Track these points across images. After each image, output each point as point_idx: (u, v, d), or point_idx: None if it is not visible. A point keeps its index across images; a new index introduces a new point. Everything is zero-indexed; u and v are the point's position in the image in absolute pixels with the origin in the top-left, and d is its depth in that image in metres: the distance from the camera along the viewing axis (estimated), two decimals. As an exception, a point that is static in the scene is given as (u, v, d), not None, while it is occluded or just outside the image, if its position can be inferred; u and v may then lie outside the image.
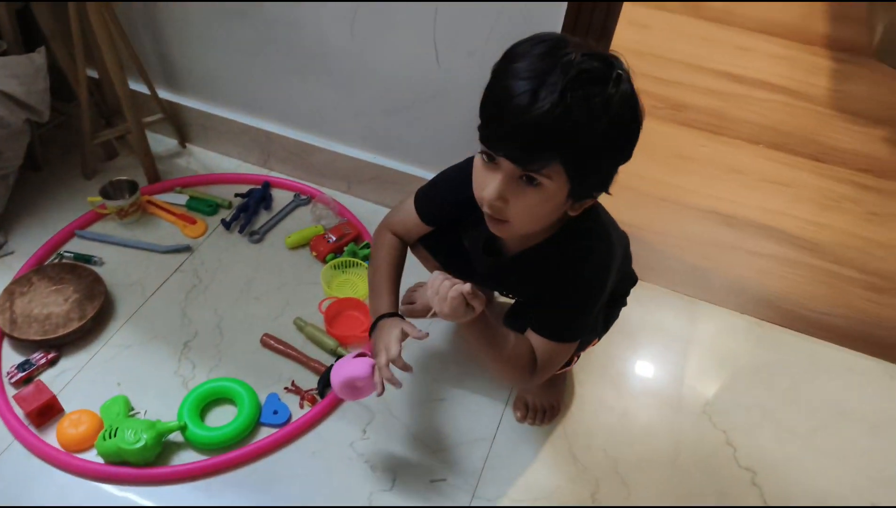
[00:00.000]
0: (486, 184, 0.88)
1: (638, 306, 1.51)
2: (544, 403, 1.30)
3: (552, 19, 1.22)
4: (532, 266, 1.03)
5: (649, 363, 1.43)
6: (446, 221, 1.14)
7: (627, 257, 1.21)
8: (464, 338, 1.10)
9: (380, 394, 1.04)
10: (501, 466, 1.23)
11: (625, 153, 0.87)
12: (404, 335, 1.04)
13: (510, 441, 1.26)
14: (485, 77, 1.31)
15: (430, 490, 1.19)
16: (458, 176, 1.03)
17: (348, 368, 1.06)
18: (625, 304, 1.27)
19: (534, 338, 1.02)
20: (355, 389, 1.07)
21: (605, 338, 1.28)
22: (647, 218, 1.73)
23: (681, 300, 1.55)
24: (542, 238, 1.00)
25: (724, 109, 2.14)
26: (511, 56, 0.85)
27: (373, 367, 1.04)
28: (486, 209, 0.91)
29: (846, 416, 1.36)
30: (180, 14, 1.57)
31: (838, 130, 2.10)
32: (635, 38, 2.41)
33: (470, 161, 0.95)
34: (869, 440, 1.32)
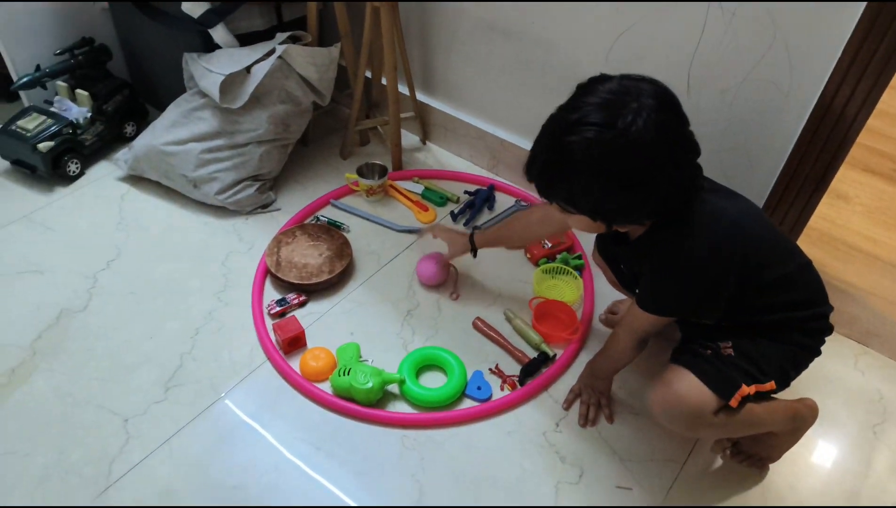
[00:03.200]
0: None
1: (856, 371, 1.47)
2: (760, 454, 1.27)
3: (821, 63, 1.24)
4: (640, 251, 1.13)
5: (863, 431, 1.36)
6: None
7: (811, 284, 1.14)
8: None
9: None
10: (689, 491, 1.24)
11: (624, 193, 0.95)
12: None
13: (703, 470, 1.27)
14: (733, 116, 1.35)
15: (615, 494, 1.23)
16: None
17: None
18: (817, 353, 1.16)
19: (632, 309, 1.17)
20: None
21: (819, 398, 1.25)
22: (876, 283, 1.64)
23: (903, 371, 1.46)
24: (642, 230, 1.09)
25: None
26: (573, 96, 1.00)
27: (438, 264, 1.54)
28: None
29: None
30: (450, 26, 1.77)
31: None
32: (883, 99, 2.28)
33: None
34: None
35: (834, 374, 1.44)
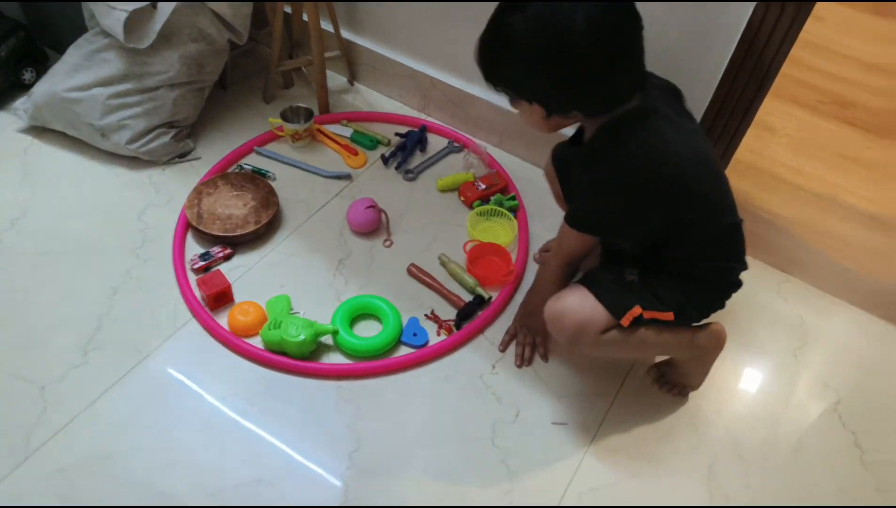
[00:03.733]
0: None
1: (779, 298, 1.51)
2: (680, 381, 1.31)
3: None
4: (582, 157, 1.10)
5: (784, 355, 1.42)
6: None
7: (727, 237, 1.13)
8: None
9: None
10: (621, 422, 1.27)
11: (564, 76, 0.94)
12: None
13: (633, 401, 1.30)
14: (661, 47, 1.32)
15: (551, 431, 1.25)
16: None
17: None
18: (720, 303, 1.18)
19: (562, 225, 1.17)
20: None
21: (744, 324, 1.29)
22: (800, 213, 1.69)
23: (823, 299, 1.52)
24: (590, 133, 1.08)
25: (894, 111, 2.02)
26: None
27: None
28: None
29: None
30: (372, -43, 1.67)
31: None
32: (807, 29, 2.29)
33: None
34: None
35: (757, 301, 1.49)
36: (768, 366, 1.40)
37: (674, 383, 1.31)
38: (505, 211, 1.59)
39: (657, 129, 1.01)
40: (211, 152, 1.69)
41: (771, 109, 1.97)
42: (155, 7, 1.51)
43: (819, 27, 2.35)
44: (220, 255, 1.45)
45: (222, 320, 1.35)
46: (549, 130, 1.09)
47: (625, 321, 1.09)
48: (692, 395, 1.32)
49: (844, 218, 1.70)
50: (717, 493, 1.19)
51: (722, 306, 1.19)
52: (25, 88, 1.76)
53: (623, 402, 1.30)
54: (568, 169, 1.30)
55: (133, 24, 1.49)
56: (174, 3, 1.48)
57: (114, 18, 1.48)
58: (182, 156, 1.67)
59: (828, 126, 1.96)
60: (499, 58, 0.98)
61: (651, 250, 1.13)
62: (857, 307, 1.51)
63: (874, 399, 1.35)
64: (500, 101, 1.70)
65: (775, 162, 1.82)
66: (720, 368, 1.32)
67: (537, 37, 0.91)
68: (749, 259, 1.17)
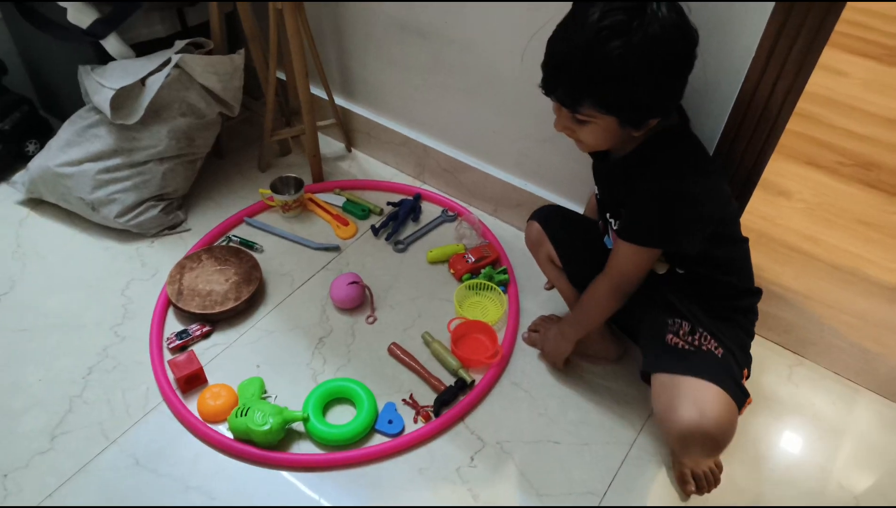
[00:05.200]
0: (556, 116, 1.09)
1: (790, 384, 1.39)
2: (707, 466, 1.21)
3: (739, 57, 1.15)
4: (628, 170, 1.11)
5: (796, 448, 1.30)
6: None
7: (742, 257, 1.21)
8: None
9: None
10: (608, 525, 1.17)
11: (663, 83, 0.97)
12: None
13: (622, 501, 1.20)
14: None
15: (530, 534, 1.16)
16: None
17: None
18: (751, 320, 1.22)
19: (615, 244, 1.13)
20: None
21: (750, 415, 1.19)
22: (815, 286, 1.57)
23: (841, 385, 1.39)
24: (631, 147, 1.09)
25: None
26: (575, 6, 1.00)
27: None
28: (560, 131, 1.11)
29: None
30: (363, 28, 1.66)
31: None
32: (829, 85, 2.20)
33: None
34: None
35: (766, 388, 1.37)
36: (780, 472, 1.27)
37: (703, 475, 1.20)
38: (494, 285, 1.52)
39: (696, 139, 1.10)
40: (202, 223, 1.68)
41: (785, 172, 1.88)
42: (143, 84, 1.52)
43: (842, 83, 2.25)
44: (198, 333, 1.42)
45: (193, 403, 1.31)
46: (608, 145, 1.10)
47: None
48: (695, 500, 1.21)
49: (866, 293, 1.58)
50: None
51: (752, 337, 1.22)
52: (29, 159, 1.79)
53: (613, 499, 1.20)
54: (608, 186, 1.23)
55: (121, 100, 1.51)
56: (162, 80, 1.49)
57: (102, 96, 1.49)
58: (172, 228, 1.66)
59: (848, 190, 1.84)
60: (599, 81, 0.97)
61: (692, 280, 1.15)
62: (880, 396, 1.38)
63: (896, 504, 1.21)
64: (496, 169, 1.68)
65: (789, 230, 1.71)
66: (722, 484, 1.21)
67: (644, 57, 0.93)
68: (758, 339, 1.10)
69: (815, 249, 1.66)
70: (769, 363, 1.42)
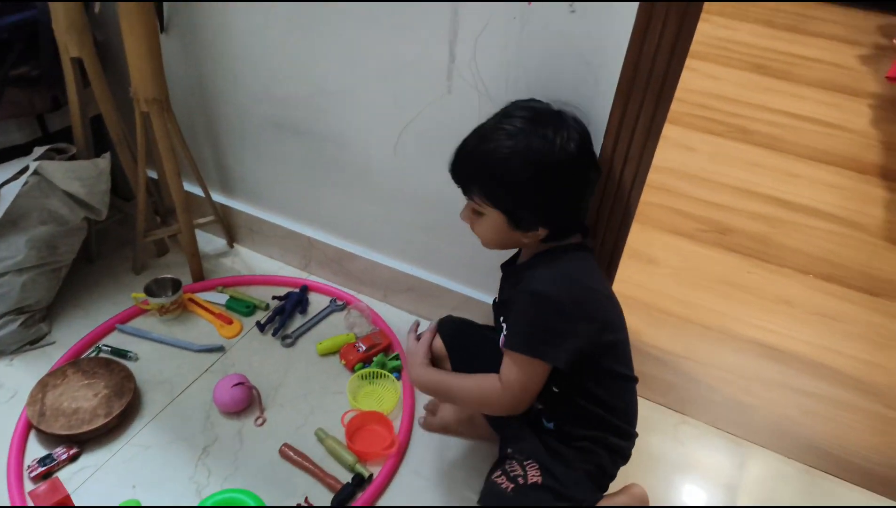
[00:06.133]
0: (463, 208, 1.15)
1: (676, 442, 1.44)
2: None
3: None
4: (518, 276, 1.16)
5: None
6: None
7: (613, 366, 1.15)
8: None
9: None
10: None
11: (549, 195, 1.04)
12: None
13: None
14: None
15: None
16: None
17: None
18: (615, 460, 1.16)
19: (504, 355, 1.09)
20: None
21: (641, 477, 1.21)
22: (689, 346, 1.67)
23: (724, 439, 1.46)
24: (528, 257, 1.17)
25: (772, 235, 2.10)
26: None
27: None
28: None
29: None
30: (238, 126, 1.67)
31: (893, 263, 2.02)
32: (681, 160, 2.43)
33: None
34: None
35: (653, 449, 1.41)
36: (672, 523, 1.30)
37: None
38: (387, 373, 1.50)
39: (592, 262, 1.15)
40: (69, 334, 1.56)
41: (652, 241, 2.02)
42: (-2, 192, 1.43)
43: (692, 157, 2.48)
44: (64, 457, 1.29)
45: (59, 537, 1.18)
46: (500, 245, 1.15)
47: None
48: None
49: (735, 349, 1.69)
50: None
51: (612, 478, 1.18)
52: None
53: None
54: (504, 291, 1.25)
55: (-27, 211, 1.41)
56: (17, 189, 1.41)
57: (-50, 206, 1.39)
58: (33, 342, 1.53)
59: (709, 254, 2.00)
60: (485, 171, 1.06)
61: (563, 401, 1.12)
62: (753, 444, 1.45)
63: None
64: (382, 256, 1.69)
65: (661, 295, 1.82)
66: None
67: (529, 163, 1.02)
68: (642, 401, 1.13)
69: (685, 311, 1.78)
70: (655, 423, 1.47)
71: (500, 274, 1.26)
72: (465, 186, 1.11)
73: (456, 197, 1.43)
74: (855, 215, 2.23)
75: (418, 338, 1.26)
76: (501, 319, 1.18)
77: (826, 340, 1.73)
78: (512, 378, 1.06)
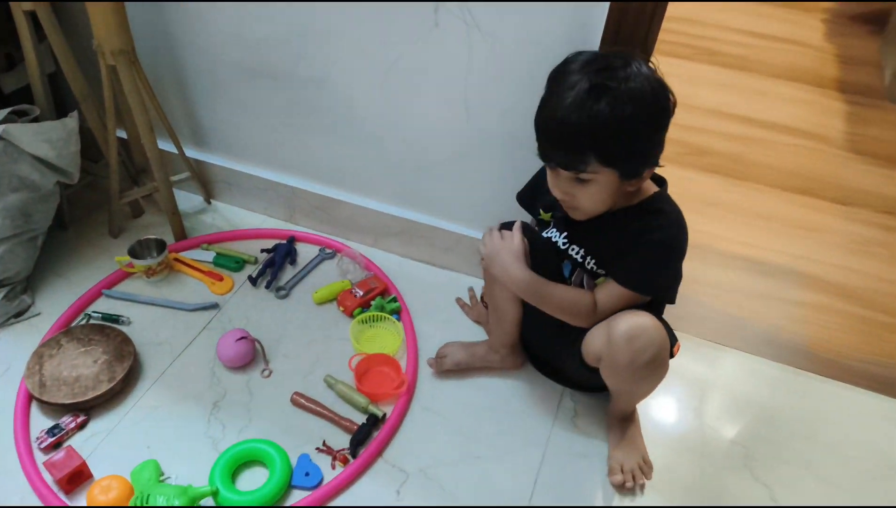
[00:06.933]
0: (554, 185, 1.12)
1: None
2: (637, 461, 1.26)
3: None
4: (608, 230, 1.15)
5: (686, 415, 1.40)
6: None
7: None
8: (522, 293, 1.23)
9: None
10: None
11: (654, 134, 1.04)
12: None
13: (548, 501, 1.22)
14: (519, 132, 1.33)
15: (470, 556, 1.15)
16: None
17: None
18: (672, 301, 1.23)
19: (613, 287, 1.16)
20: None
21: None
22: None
23: (715, 350, 1.52)
24: (623, 204, 1.14)
25: (746, 153, 2.15)
26: (552, 80, 1.06)
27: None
28: (560, 201, 1.14)
29: (894, 468, 1.31)
30: (208, 76, 1.60)
31: (859, 173, 2.10)
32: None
33: None
34: (922, 494, 1.28)
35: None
36: (674, 432, 1.36)
37: (635, 467, 1.26)
38: (387, 315, 1.51)
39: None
40: (54, 305, 1.51)
41: (632, 167, 2.03)
42: (-37, 160, 1.35)
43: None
44: (73, 425, 1.27)
45: (81, 502, 1.17)
46: (606, 205, 1.11)
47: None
48: (607, 480, 1.26)
49: (721, 265, 1.74)
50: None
51: None
52: None
53: (539, 503, 1.22)
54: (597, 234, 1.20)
55: (-62, 181, 1.33)
56: (-16, 154, 1.33)
57: (-87, 179, 1.31)
58: (18, 315, 1.48)
59: (689, 175, 2.04)
60: (605, 133, 1.00)
61: None
62: (748, 353, 1.52)
63: (781, 446, 1.34)
64: (370, 200, 1.67)
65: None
66: (630, 447, 1.27)
67: (643, 107, 0.99)
68: None
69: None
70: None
71: (493, 210, 1.26)
72: (576, 161, 1.04)
73: (449, 135, 1.43)
74: (820, 128, 2.29)
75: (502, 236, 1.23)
76: (581, 255, 1.20)
77: (804, 250, 1.79)
78: (610, 305, 1.16)
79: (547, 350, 1.40)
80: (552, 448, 1.30)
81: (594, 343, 1.17)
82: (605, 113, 0.98)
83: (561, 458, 1.29)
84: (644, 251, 1.12)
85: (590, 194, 1.08)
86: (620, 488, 1.25)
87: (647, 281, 1.14)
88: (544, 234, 1.26)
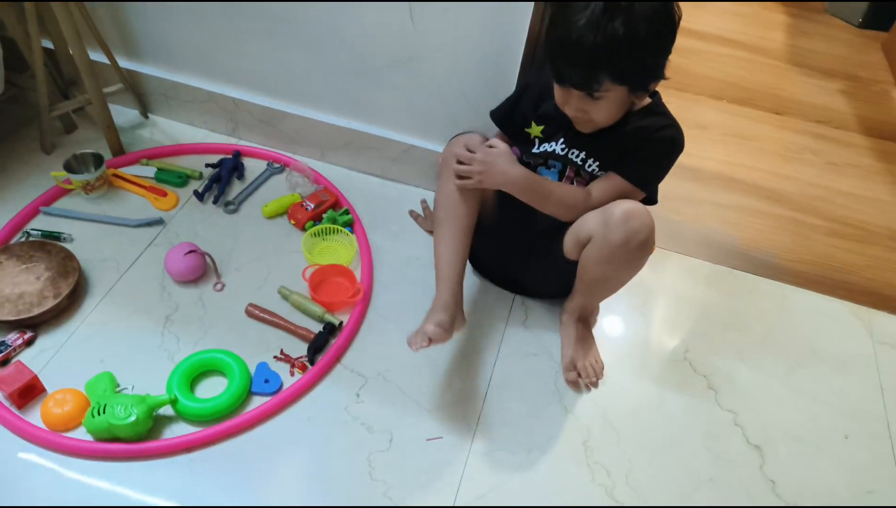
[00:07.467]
0: (564, 103, 1.15)
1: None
2: (591, 362, 1.34)
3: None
4: (613, 132, 1.18)
5: (632, 316, 1.47)
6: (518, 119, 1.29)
7: None
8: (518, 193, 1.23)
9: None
10: (495, 421, 1.25)
11: (663, 50, 1.06)
12: None
13: (502, 398, 1.29)
14: (461, 38, 1.31)
15: (428, 448, 1.20)
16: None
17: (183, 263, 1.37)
18: (655, 201, 1.30)
19: (612, 182, 1.20)
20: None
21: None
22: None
23: (655, 254, 1.58)
24: (615, 119, 1.17)
25: (686, 65, 2.18)
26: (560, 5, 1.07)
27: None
28: (571, 117, 1.17)
29: (817, 355, 1.43)
30: (138, -23, 1.50)
31: (796, 84, 2.17)
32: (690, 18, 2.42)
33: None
34: (840, 376, 1.40)
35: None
36: (619, 330, 1.44)
37: (589, 367, 1.33)
38: (340, 228, 1.51)
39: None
40: (-13, 224, 1.45)
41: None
42: None
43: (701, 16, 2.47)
44: (20, 342, 1.25)
45: (35, 417, 1.16)
46: (616, 118, 1.15)
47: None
48: (557, 376, 1.33)
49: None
50: (595, 467, 1.21)
51: None
52: None
53: (493, 400, 1.28)
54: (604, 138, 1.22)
55: None
56: None
57: None
58: (-51, 235, 1.41)
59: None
60: (619, 52, 1.02)
61: None
62: (686, 255, 1.60)
63: (716, 339, 1.43)
64: (316, 112, 1.63)
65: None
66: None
67: (654, 24, 1.02)
68: None
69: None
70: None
71: (442, 120, 1.23)
72: (591, 80, 1.06)
73: (392, 37, 1.39)
74: (759, 40, 2.34)
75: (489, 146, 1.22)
76: (581, 158, 1.23)
77: (740, 157, 1.87)
78: (603, 198, 1.20)
79: (509, 260, 1.42)
80: (505, 349, 1.36)
81: (586, 226, 1.20)
82: (619, 33, 1.00)
83: (513, 357, 1.35)
84: (653, 148, 1.18)
85: (602, 109, 1.12)
86: (574, 385, 1.32)
87: (651, 176, 1.22)
88: (534, 151, 1.27)
